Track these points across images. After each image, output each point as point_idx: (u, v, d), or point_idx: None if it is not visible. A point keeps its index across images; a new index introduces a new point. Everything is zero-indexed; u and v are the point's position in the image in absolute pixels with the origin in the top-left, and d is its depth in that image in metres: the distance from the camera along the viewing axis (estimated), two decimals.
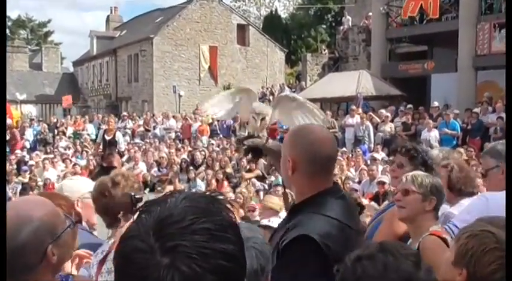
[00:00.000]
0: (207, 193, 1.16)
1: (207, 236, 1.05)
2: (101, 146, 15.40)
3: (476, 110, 16.46)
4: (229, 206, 1.14)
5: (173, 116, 24.20)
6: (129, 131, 23.68)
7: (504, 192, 2.92)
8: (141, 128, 23.84)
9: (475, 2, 18.82)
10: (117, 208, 2.80)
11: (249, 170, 14.86)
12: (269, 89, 29.22)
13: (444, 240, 2.80)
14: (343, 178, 12.66)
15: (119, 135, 14.82)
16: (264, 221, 5.48)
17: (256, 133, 3.71)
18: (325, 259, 1.90)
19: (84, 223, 3.26)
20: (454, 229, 2.96)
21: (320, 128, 2.26)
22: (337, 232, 1.99)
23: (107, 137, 14.62)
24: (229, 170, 15.74)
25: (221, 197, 1.15)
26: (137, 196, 2.69)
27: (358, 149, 15.64)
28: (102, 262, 2.61)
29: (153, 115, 25.42)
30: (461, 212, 3.22)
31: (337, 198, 2.13)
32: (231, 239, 1.08)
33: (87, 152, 19.59)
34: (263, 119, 3.70)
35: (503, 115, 15.09)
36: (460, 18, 19.13)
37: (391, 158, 3.88)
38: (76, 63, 46.72)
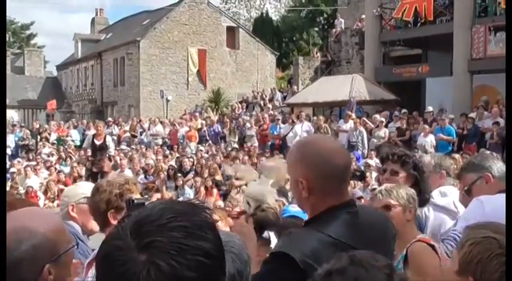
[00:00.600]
0: (185, 201, 1.22)
1: (183, 233, 1.09)
2: (89, 152, 15.35)
3: (472, 115, 16.58)
4: (209, 211, 1.18)
5: (160, 122, 24.17)
6: (114, 137, 23.58)
7: (498, 194, 2.98)
8: (127, 134, 23.78)
9: (470, 4, 18.98)
10: (100, 213, 2.90)
11: (239, 178, 14.83)
12: (260, 94, 29.26)
13: (432, 247, 2.86)
14: None
15: (109, 140, 14.82)
16: None
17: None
18: (301, 279, 1.80)
19: (78, 229, 3.28)
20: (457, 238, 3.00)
21: (327, 138, 2.22)
22: (330, 251, 1.85)
23: (97, 142, 14.60)
24: (218, 177, 15.73)
25: (201, 203, 1.21)
26: (136, 201, 2.67)
27: (352, 155, 15.68)
28: (89, 265, 2.65)
29: (140, 121, 25.36)
30: (459, 222, 3.25)
31: (347, 214, 2.02)
32: (209, 238, 1.12)
33: (71, 158, 19.52)
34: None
35: (500, 120, 15.23)
36: (454, 21, 19.29)
37: (381, 166, 3.90)
38: (60, 67, 46.55)
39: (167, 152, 20.21)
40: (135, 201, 2.58)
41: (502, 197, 2.87)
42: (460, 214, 3.99)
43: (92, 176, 14.52)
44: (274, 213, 2.78)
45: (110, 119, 27.23)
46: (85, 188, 3.44)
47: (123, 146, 22.16)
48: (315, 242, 1.91)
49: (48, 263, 1.64)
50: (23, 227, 1.64)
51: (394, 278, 1.48)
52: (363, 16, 24.79)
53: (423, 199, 3.54)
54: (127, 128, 24.37)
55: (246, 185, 14.14)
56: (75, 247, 1.79)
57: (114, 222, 2.72)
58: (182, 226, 1.10)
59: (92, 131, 17.65)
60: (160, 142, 22.52)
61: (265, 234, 2.77)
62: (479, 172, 3.25)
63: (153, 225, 1.10)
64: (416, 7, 20.52)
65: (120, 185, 3.00)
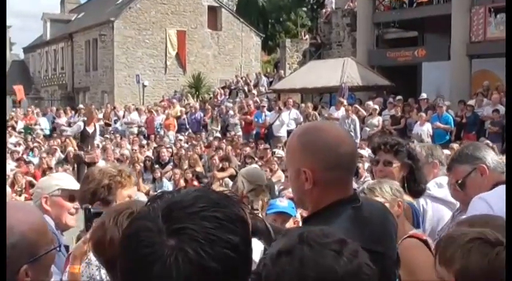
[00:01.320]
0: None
1: (215, 224, 1.14)
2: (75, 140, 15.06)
3: (471, 102, 16.66)
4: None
5: (136, 109, 24.05)
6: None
7: (498, 188, 2.99)
8: (101, 122, 23.61)
9: None
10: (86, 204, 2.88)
11: (222, 169, 14.82)
12: (244, 79, 29.19)
13: (425, 242, 2.87)
14: None
15: (98, 128, 14.60)
16: None
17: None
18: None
19: (51, 223, 3.23)
20: None
21: (332, 125, 2.14)
22: None
23: (89, 130, 14.39)
24: (199, 168, 15.70)
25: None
26: (93, 210, 2.60)
27: None
28: (66, 262, 2.64)
29: (114, 108, 25.21)
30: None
31: (351, 209, 1.99)
32: (238, 232, 1.17)
33: (39, 149, 19.35)
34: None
35: (500, 107, 15.32)
36: (453, 1, 19.36)
37: (374, 157, 3.91)
38: (27, 50, 46.10)
39: (144, 141, 20.11)
40: (92, 210, 2.59)
41: (504, 191, 2.87)
42: (457, 205, 4.01)
43: (81, 167, 14.32)
44: (262, 220, 2.75)
45: (81, 106, 27.01)
46: (59, 179, 3.42)
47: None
48: None
49: (26, 264, 1.63)
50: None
51: (344, 254, 1.46)
52: None
53: (419, 190, 3.57)
54: (100, 115, 24.18)
55: (229, 177, 14.17)
56: (57, 249, 1.76)
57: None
58: (214, 216, 1.15)
59: (80, 118, 17.37)
60: (135, 130, 22.42)
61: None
62: (472, 164, 3.20)
63: (186, 212, 1.15)
64: None
65: (111, 176, 2.98)
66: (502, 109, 15.36)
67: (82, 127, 14.55)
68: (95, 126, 14.67)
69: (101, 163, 17.46)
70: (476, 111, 16.05)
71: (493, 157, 3.25)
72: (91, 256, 2.52)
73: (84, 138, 14.65)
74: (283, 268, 1.45)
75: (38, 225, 1.71)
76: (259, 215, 3.39)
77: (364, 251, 1.54)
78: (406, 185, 3.48)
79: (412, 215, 3.38)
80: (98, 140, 16.22)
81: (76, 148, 15.65)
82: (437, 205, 3.93)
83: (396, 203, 3.00)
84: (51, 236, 1.77)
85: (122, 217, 2.20)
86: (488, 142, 12.05)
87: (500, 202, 2.72)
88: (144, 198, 4.13)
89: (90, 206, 2.65)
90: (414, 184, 3.52)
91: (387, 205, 2.94)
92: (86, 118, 15.01)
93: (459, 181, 3.33)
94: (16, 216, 1.66)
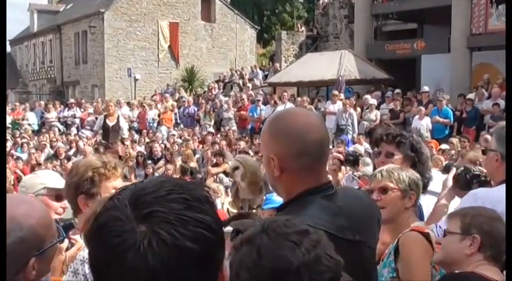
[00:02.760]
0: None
1: (183, 205, 1.14)
2: (99, 135, 15.00)
3: (471, 96, 16.76)
4: (206, 187, 1.25)
5: (127, 103, 24.07)
6: (77, 121, 23.47)
7: (497, 187, 3.05)
8: (91, 117, 23.62)
9: None
10: (70, 197, 2.94)
11: (216, 165, 14.86)
12: (238, 72, 29.21)
13: (426, 235, 2.90)
14: None
15: (122, 121, 14.56)
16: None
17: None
18: None
19: None
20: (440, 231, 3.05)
21: (303, 112, 2.15)
22: None
23: (110, 123, 14.37)
24: (193, 164, 15.74)
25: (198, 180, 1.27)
26: (62, 223, 2.54)
27: (341, 140, 15.78)
28: None
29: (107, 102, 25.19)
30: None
31: (323, 198, 2.01)
32: (208, 211, 1.18)
33: (28, 144, 19.37)
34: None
35: (500, 102, 15.43)
36: None
37: (375, 149, 3.93)
38: (13, 42, 45.89)
39: (135, 136, 20.12)
40: (61, 224, 2.52)
41: (500, 191, 2.92)
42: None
43: None
44: (260, 219, 2.77)
45: (71, 100, 27.01)
46: (44, 177, 3.42)
47: (87, 131, 22.03)
48: None
49: (34, 257, 1.67)
50: (12, 217, 1.66)
51: (302, 245, 1.49)
52: None
53: (423, 183, 3.49)
54: (91, 110, 24.20)
55: (223, 173, 14.24)
56: (61, 239, 1.81)
57: (85, 209, 2.73)
58: (182, 198, 1.16)
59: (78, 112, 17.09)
60: (127, 125, 22.40)
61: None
62: (498, 145, 3.19)
63: (152, 197, 1.15)
64: None
65: (95, 169, 2.96)
66: (503, 103, 15.47)
67: (102, 122, 14.57)
68: (117, 120, 14.67)
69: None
70: (476, 106, 16.14)
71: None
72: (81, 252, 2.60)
73: (106, 133, 14.70)
74: (243, 257, 1.51)
75: (45, 218, 1.75)
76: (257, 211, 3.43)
77: (330, 242, 1.57)
78: None
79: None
80: (125, 133, 16.21)
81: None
82: (432, 197, 4.00)
83: (408, 195, 3.02)
84: (55, 228, 1.83)
85: None
86: (488, 136, 12.13)
87: (492, 200, 2.78)
88: None
89: (57, 218, 2.64)
90: None
91: (398, 193, 3.00)
92: (106, 113, 15.07)
93: (483, 148, 3.48)
94: (21, 210, 1.70)
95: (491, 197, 2.89)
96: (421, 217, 3.44)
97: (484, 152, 3.43)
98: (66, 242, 2.50)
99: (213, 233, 1.16)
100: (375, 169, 3.71)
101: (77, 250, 2.60)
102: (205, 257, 1.14)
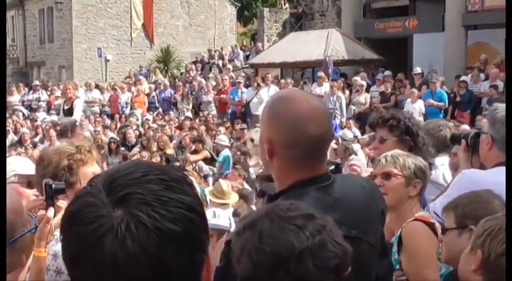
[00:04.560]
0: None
1: (162, 186, 1.14)
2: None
3: (466, 78, 16.83)
4: (183, 170, 1.22)
5: (97, 86, 23.89)
6: (43, 104, 23.27)
7: (492, 170, 3.10)
8: (59, 101, 23.42)
9: None
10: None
11: (195, 151, 14.83)
12: (218, 52, 29.13)
13: (431, 225, 2.91)
14: None
15: (77, 103, 14.32)
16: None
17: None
18: None
19: None
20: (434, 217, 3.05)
21: (307, 98, 2.06)
22: None
23: (66, 107, 14.19)
24: (170, 151, 15.68)
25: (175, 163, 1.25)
26: (55, 186, 2.57)
27: None
28: None
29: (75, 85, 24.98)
30: (441, 198, 3.29)
31: (317, 190, 1.99)
32: (189, 192, 1.17)
33: None
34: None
35: (499, 83, 15.51)
36: None
37: (370, 134, 3.95)
38: None
39: (107, 122, 20.02)
40: (54, 186, 2.56)
41: (493, 173, 2.96)
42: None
43: None
44: None
45: (36, 82, 26.71)
46: (15, 164, 3.38)
47: (54, 116, 21.84)
48: None
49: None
50: None
51: (307, 229, 1.50)
52: None
53: None
54: (58, 93, 23.97)
55: (203, 160, 14.21)
56: (33, 230, 1.77)
57: (64, 202, 2.69)
58: (160, 179, 1.15)
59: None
60: (97, 110, 22.28)
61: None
62: (489, 128, 3.22)
63: (128, 179, 1.14)
64: None
65: (70, 155, 2.93)
66: (501, 85, 15.55)
67: (62, 106, 14.42)
68: (71, 103, 14.53)
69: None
70: (470, 89, 16.21)
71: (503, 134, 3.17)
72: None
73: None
74: (246, 241, 1.54)
75: (17, 205, 1.72)
76: None
77: (337, 228, 1.59)
78: None
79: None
80: (76, 119, 16.01)
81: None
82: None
83: (413, 183, 3.03)
84: (27, 217, 1.78)
85: None
86: (485, 120, 12.21)
87: (484, 183, 2.77)
88: None
89: (51, 182, 2.62)
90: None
91: (402, 180, 3.01)
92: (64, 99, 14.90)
93: (477, 131, 3.51)
94: None
95: (485, 181, 2.86)
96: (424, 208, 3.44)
97: (478, 135, 3.45)
98: (52, 211, 2.46)
99: (195, 213, 1.16)
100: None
101: (58, 220, 2.54)
102: (188, 239, 1.14)
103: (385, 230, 2.96)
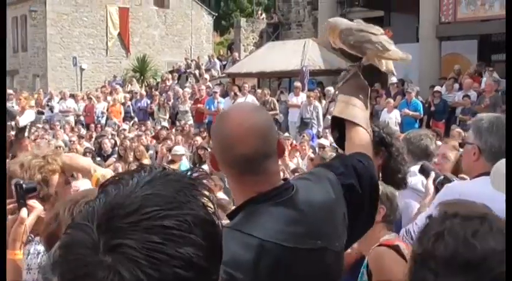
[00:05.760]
0: (187, 174, 1.15)
1: (161, 236, 1.02)
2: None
3: (438, 88, 17.10)
4: (208, 194, 1.12)
5: (71, 95, 23.83)
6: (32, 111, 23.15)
7: (476, 179, 3.13)
8: (33, 110, 23.31)
9: None
10: None
11: (172, 161, 14.86)
12: (194, 62, 29.15)
13: (396, 248, 2.98)
14: (286, 169, 12.87)
15: (26, 114, 14.09)
16: None
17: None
18: None
19: None
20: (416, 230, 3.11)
21: (242, 116, 2.00)
22: (255, 256, 1.81)
23: (19, 118, 14.02)
24: (146, 161, 15.67)
25: (203, 180, 1.14)
26: (25, 186, 2.55)
27: (305, 134, 15.92)
28: None
29: (48, 93, 24.89)
30: (423, 215, 3.34)
31: (275, 205, 1.93)
32: (196, 242, 1.05)
33: None
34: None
35: (471, 93, 15.82)
36: None
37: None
38: None
39: (82, 131, 19.95)
40: (24, 186, 2.56)
41: (477, 185, 2.95)
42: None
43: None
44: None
45: (10, 91, 26.52)
46: None
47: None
48: (235, 245, 1.80)
49: None
50: None
51: None
52: None
53: (396, 180, 3.57)
54: (32, 103, 23.86)
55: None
56: None
57: (43, 214, 2.70)
58: (162, 226, 1.03)
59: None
60: (72, 119, 22.20)
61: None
62: (475, 138, 3.23)
63: (126, 221, 1.03)
64: None
65: (41, 168, 2.90)
66: (474, 95, 15.87)
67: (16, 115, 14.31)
68: (23, 113, 14.37)
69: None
70: (444, 98, 16.48)
71: (493, 145, 3.18)
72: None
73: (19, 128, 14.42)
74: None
75: None
76: None
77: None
78: (382, 175, 3.49)
79: None
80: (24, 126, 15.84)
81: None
82: (406, 194, 4.04)
83: (378, 208, 3.01)
84: None
85: (78, 207, 2.11)
86: (459, 129, 12.47)
87: (468, 193, 2.73)
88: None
89: (21, 181, 2.61)
90: (389, 174, 3.52)
91: None
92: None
93: (460, 142, 3.58)
94: None
95: (470, 192, 2.82)
96: (398, 226, 3.51)
97: (461, 145, 3.53)
98: (25, 211, 2.48)
99: (197, 271, 1.04)
100: None
101: (35, 217, 2.59)
102: None
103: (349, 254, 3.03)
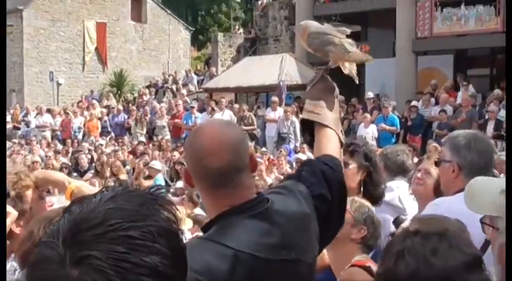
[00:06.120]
0: (146, 190, 1.18)
1: (126, 246, 1.05)
2: None
3: (416, 103, 17.21)
4: (170, 207, 1.15)
5: (48, 110, 23.65)
6: None
7: (456, 195, 3.07)
8: (9, 126, 23.09)
9: None
10: None
11: (149, 177, 14.77)
12: (171, 77, 29.11)
13: (368, 269, 2.95)
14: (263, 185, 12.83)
15: None
16: None
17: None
18: None
19: None
20: None
21: (214, 131, 2.04)
22: (230, 266, 1.83)
23: None
24: (123, 176, 15.57)
25: (162, 194, 1.17)
26: None
27: (282, 149, 15.92)
28: None
29: (25, 108, 24.69)
30: None
31: (250, 217, 1.95)
32: (160, 250, 1.08)
33: None
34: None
35: (448, 108, 15.94)
36: None
37: None
38: None
39: (59, 146, 19.79)
40: None
41: (459, 199, 2.98)
42: (407, 211, 4.21)
43: None
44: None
45: None
46: None
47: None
48: (210, 255, 1.84)
49: None
50: None
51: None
52: None
53: (376, 194, 3.67)
54: (8, 118, 23.64)
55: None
56: None
57: (19, 230, 2.69)
58: (127, 236, 1.06)
59: None
60: (48, 134, 22.03)
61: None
62: (453, 155, 3.24)
63: (91, 234, 1.06)
64: None
65: (14, 184, 2.87)
66: (450, 109, 15.98)
67: None
68: None
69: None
70: (422, 113, 16.58)
71: (472, 161, 3.20)
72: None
73: None
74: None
75: None
76: None
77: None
78: (363, 189, 3.61)
79: None
80: None
81: None
82: (382, 209, 4.06)
83: (358, 228, 3.06)
84: None
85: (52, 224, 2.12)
86: (436, 144, 12.52)
87: (451, 210, 2.73)
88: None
89: None
90: (372, 188, 3.63)
91: (349, 217, 2.95)
92: None
93: (436, 159, 3.53)
94: None
95: (454, 209, 2.80)
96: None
97: (437, 164, 3.52)
98: None
99: (161, 277, 1.08)
100: None
101: (10, 223, 2.58)
102: None
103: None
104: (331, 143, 2.44)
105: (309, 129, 2.55)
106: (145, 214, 1.10)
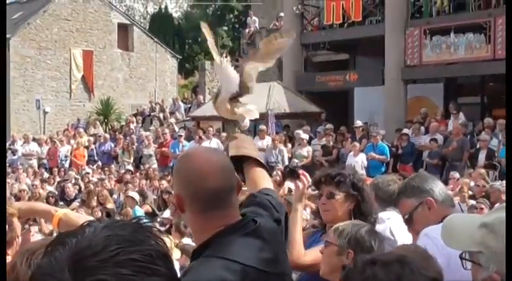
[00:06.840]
0: (132, 221, 1.23)
1: (132, 269, 1.09)
2: None
3: (406, 130, 17.15)
4: (158, 233, 1.21)
5: (34, 138, 23.50)
6: None
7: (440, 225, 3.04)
8: None
9: (403, 3, 19.71)
10: None
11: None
12: (158, 105, 29.08)
13: None
14: None
15: None
16: None
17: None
18: None
19: None
20: None
21: (206, 155, 2.19)
22: (241, 279, 1.94)
23: None
24: (110, 205, 15.40)
25: (148, 223, 1.22)
26: None
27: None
28: None
29: (11, 137, 24.46)
30: None
31: (245, 235, 2.08)
32: (161, 271, 1.14)
33: None
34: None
35: (438, 137, 15.86)
36: (386, 21, 19.96)
37: (316, 192, 4.11)
38: None
39: (45, 175, 19.61)
40: None
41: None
42: (398, 243, 4.07)
43: None
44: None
45: None
46: None
47: None
48: (222, 270, 1.93)
49: None
50: None
51: None
52: (281, 14, 25.21)
53: (368, 223, 3.62)
54: None
55: (145, 214, 13.92)
56: None
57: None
58: (131, 259, 1.10)
59: None
60: (35, 162, 21.85)
61: None
62: (419, 197, 3.34)
63: (96, 259, 1.09)
64: (343, 5, 21.06)
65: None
66: (440, 138, 15.90)
67: None
68: None
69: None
70: (412, 141, 16.51)
71: (441, 189, 3.40)
72: None
73: None
74: (376, 275, 1.66)
75: None
76: None
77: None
78: (353, 218, 3.56)
79: None
80: None
81: None
82: None
83: (346, 253, 3.03)
84: None
85: (36, 257, 2.14)
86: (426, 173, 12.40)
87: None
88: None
89: None
90: (361, 217, 3.58)
91: (334, 248, 3.04)
92: None
93: (406, 216, 3.49)
94: None
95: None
96: None
97: (409, 220, 3.52)
98: None
99: None
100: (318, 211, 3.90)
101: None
102: None
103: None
104: (263, 177, 2.78)
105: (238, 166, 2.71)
106: (140, 239, 1.15)
